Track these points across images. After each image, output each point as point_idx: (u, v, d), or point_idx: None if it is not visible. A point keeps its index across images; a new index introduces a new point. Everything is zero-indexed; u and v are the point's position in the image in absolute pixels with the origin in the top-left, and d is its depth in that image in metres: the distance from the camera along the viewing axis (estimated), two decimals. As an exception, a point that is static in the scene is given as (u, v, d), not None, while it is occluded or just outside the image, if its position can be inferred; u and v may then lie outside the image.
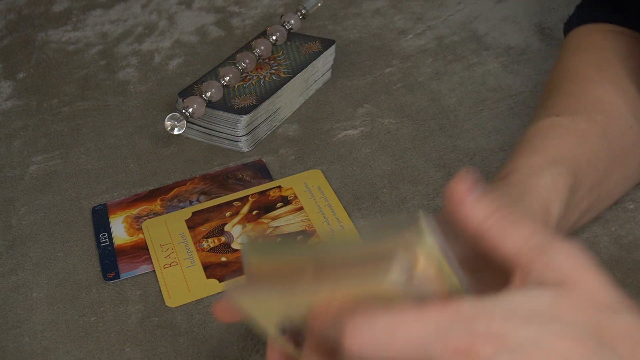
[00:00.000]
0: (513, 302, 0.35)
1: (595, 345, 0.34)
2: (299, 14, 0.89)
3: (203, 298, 0.64)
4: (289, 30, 0.88)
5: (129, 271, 0.68)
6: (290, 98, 0.83)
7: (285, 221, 0.70)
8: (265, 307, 0.42)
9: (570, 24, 0.70)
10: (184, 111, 0.78)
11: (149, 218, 0.73)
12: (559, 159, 0.55)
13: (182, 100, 0.79)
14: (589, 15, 0.69)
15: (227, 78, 0.81)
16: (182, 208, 0.73)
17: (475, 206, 0.40)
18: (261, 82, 0.82)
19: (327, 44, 0.87)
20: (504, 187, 0.53)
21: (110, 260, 0.69)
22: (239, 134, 0.79)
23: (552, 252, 0.37)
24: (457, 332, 0.34)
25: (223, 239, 0.69)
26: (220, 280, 0.65)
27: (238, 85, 0.82)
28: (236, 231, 0.70)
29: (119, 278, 0.67)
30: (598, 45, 0.65)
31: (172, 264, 0.67)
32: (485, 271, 0.41)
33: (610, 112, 0.60)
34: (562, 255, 0.37)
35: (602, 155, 0.58)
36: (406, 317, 0.35)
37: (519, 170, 0.54)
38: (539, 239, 0.38)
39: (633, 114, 0.61)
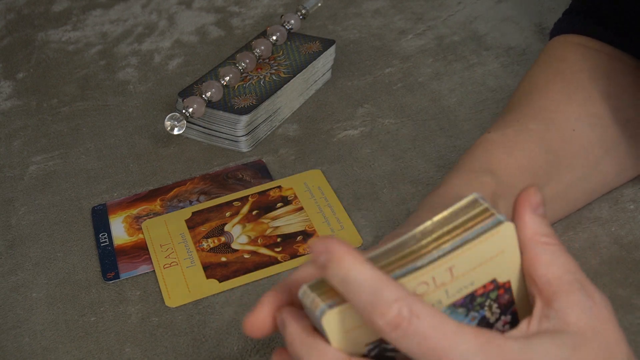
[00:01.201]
0: (538, 350, 0.37)
1: None
2: (299, 14, 0.89)
3: (203, 298, 0.64)
4: (289, 30, 0.88)
5: (129, 271, 0.68)
6: (290, 98, 0.83)
7: (285, 221, 0.70)
8: (356, 329, 0.40)
9: (552, 32, 0.72)
10: (184, 111, 0.78)
11: (149, 218, 0.73)
12: (483, 170, 0.58)
13: (182, 100, 0.79)
14: (567, 25, 0.71)
15: (227, 78, 0.81)
16: (182, 208, 0.73)
17: (533, 218, 0.42)
18: (261, 82, 0.82)
19: (327, 44, 0.87)
20: (428, 203, 0.56)
21: (110, 260, 0.69)
22: (239, 134, 0.79)
23: (580, 296, 0.40)
24: None
25: (223, 239, 0.69)
26: (220, 280, 0.65)
27: (238, 85, 0.82)
28: (236, 231, 0.70)
29: (119, 278, 0.67)
30: (560, 57, 0.67)
31: (172, 264, 0.67)
32: None
33: (548, 119, 0.63)
34: (589, 302, 0.39)
35: (539, 161, 0.60)
36: (447, 326, 0.37)
37: (445, 188, 0.57)
38: (575, 278, 0.40)
39: (578, 118, 0.63)
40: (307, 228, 0.69)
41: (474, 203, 0.41)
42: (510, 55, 0.88)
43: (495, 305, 0.42)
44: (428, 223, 0.40)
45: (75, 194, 0.77)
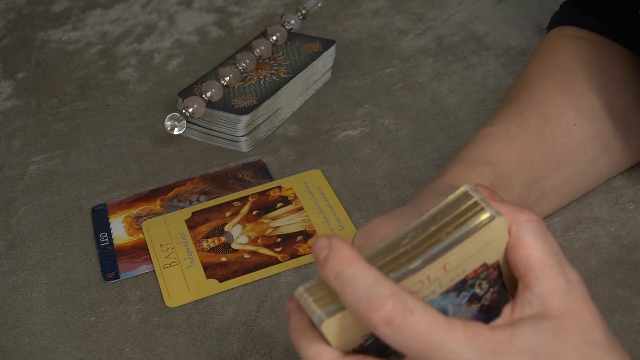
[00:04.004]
0: (522, 338, 0.39)
1: None
2: (299, 14, 0.89)
3: (203, 298, 0.64)
4: (289, 31, 0.88)
5: (129, 271, 0.68)
6: (290, 98, 0.83)
7: (285, 221, 0.70)
8: (353, 327, 0.41)
9: (548, 26, 0.73)
10: (184, 111, 0.78)
11: (149, 218, 0.73)
12: (482, 162, 0.59)
13: (182, 100, 0.79)
14: (561, 18, 0.72)
15: (227, 78, 0.81)
16: (182, 208, 0.73)
17: (505, 204, 0.42)
18: (261, 82, 0.82)
19: (327, 44, 0.87)
20: (426, 191, 0.56)
21: (110, 260, 0.69)
22: (239, 134, 0.79)
23: (560, 280, 0.41)
24: (468, 356, 0.38)
25: (223, 239, 0.69)
26: (220, 280, 0.65)
27: (238, 86, 0.82)
28: (236, 231, 0.70)
29: (119, 278, 0.67)
30: (555, 50, 0.68)
31: (172, 264, 0.67)
32: None
33: (548, 113, 0.63)
34: (569, 286, 0.41)
35: (537, 154, 0.62)
36: (438, 321, 0.38)
37: (443, 178, 0.58)
38: (556, 261, 0.41)
39: (577, 112, 0.64)
40: (307, 228, 0.69)
41: (464, 196, 0.41)
42: (510, 56, 0.88)
43: (484, 282, 0.43)
44: (420, 220, 0.41)
45: (75, 194, 0.77)
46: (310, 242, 0.68)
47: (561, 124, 0.63)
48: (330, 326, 0.40)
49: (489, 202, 0.42)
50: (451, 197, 0.41)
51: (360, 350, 0.42)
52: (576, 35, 0.69)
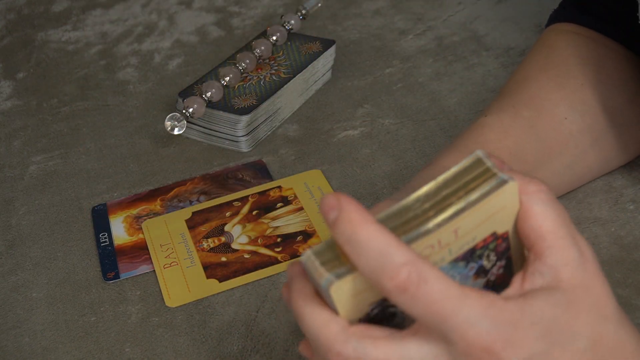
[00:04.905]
0: (534, 310, 0.38)
1: (590, 357, 0.39)
2: (299, 14, 0.89)
3: (203, 298, 0.64)
4: (289, 31, 0.88)
5: (129, 271, 0.68)
6: (290, 98, 0.83)
7: (285, 221, 0.70)
8: (362, 292, 0.39)
9: (547, 23, 0.74)
10: (184, 111, 0.78)
11: (149, 218, 0.73)
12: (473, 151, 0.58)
13: (182, 100, 0.79)
14: (559, 14, 0.72)
15: (227, 78, 0.81)
16: (182, 208, 0.73)
17: (516, 173, 0.41)
18: (261, 83, 0.82)
19: (327, 44, 0.87)
20: (419, 177, 0.56)
21: (110, 260, 0.69)
22: (239, 134, 0.79)
23: (573, 252, 0.40)
24: (482, 327, 0.37)
25: (223, 239, 0.69)
26: (220, 280, 0.65)
27: (238, 86, 0.82)
28: (236, 231, 0.70)
29: (119, 278, 0.67)
30: (551, 45, 0.69)
31: (172, 264, 0.67)
32: None
33: (541, 107, 0.64)
34: (581, 258, 0.40)
35: (529, 147, 0.62)
36: (453, 290, 0.37)
37: (435, 164, 0.58)
38: (567, 232, 0.40)
39: (569, 106, 0.64)
40: (307, 228, 0.69)
41: (477, 162, 0.41)
42: (510, 56, 0.88)
43: (492, 254, 0.42)
44: (432, 184, 0.40)
45: (75, 194, 0.77)
46: (310, 242, 0.68)
47: (554, 117, 0.64)
48: (340, 290, 0.39)
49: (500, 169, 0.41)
50: (464, 162, 0.40)
51: (366, 319, 0.41)
52: (574, 31, 0.69)
